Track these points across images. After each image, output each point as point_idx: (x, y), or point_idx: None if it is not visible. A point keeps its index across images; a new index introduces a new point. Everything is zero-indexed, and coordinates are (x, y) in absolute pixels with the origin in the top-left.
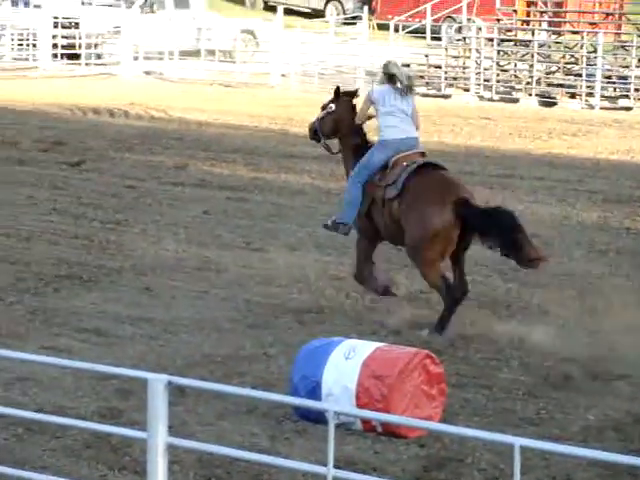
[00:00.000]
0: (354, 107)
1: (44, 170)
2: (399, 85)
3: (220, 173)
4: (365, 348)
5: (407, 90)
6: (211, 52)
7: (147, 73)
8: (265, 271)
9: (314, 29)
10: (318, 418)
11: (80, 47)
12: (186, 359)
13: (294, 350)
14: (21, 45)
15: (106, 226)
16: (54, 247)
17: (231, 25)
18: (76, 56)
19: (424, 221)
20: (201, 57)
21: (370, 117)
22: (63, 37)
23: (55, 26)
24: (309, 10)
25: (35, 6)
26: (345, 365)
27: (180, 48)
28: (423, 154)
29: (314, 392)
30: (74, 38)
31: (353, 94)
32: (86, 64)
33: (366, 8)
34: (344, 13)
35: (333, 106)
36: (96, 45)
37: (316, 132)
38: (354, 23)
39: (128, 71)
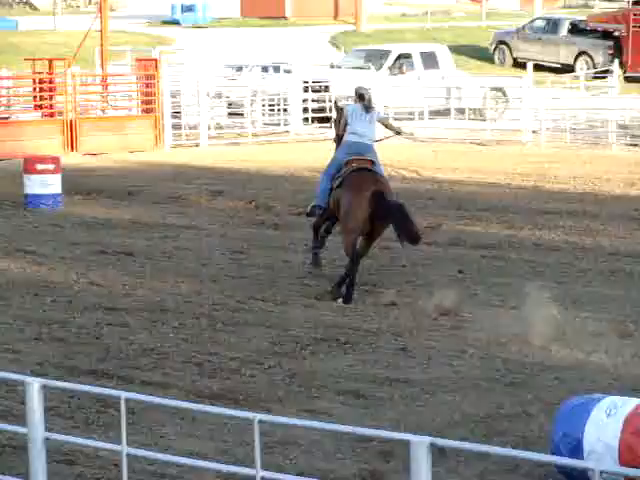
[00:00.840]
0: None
1: (297, 234)
2: (366, 102)
3: (474, 231)
4: (627, 404)
5: (370, 106)
6: (461, 111)
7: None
8: (521, 329)
9: (564, 84)
10: (581, 477)
11: (330, 110)
12: (445, 419)
13: (554, 408)
14: (272, 110)
15: (361, 287)
16: (310, 310)
17: (480, 83)
18: (326, 119)
19: (348, 204)
20: (451, 116)
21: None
22: (313, 101)
23: (305, 90)
24: (559, 65)
25: (285, 71)
26: (607, 422)
27: (430, 108)
28: (372, 162)
29: (576, 450)
30: (324, 102)
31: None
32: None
33: (617, 61)
34: (594, 67)
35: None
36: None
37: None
38: (604, 77)
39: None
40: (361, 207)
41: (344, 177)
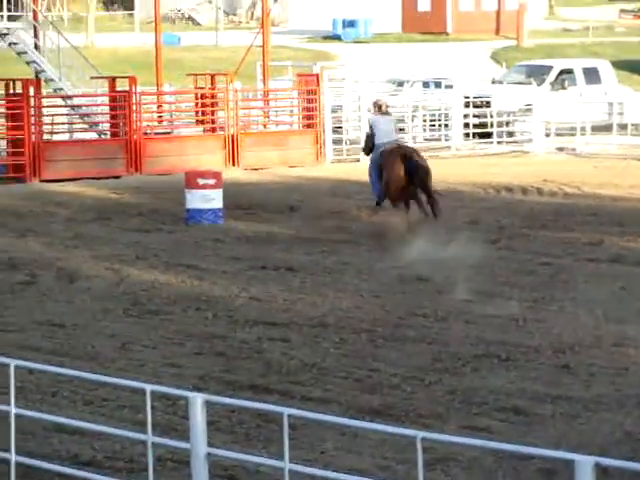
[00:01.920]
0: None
1: (462, 249)
2: (383, 110)
3: (636, 248)
4: None
5: (387, 112)
6: (623, 126)
7: (559, 149)
8: None
9: None
10: None
11: (492, 125)
12: (607, 438)
13: None
14: (433, 125)
15: (523, 304)
16: (471, 326)
17: None
18: (488, 135)
19: (389, 168)
20: (613, 132)
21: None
22: (475, 116)
23: (466, 105)
24: None
25: (446, 86)
26: None
27: (591, 123)
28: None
29: None
30: (485, 117)
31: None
32: (498, 142)
33: None
34: None
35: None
36: (507, 123)
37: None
38: None
39: (540, 148)
40: (396, 165)
41: (383, 156)
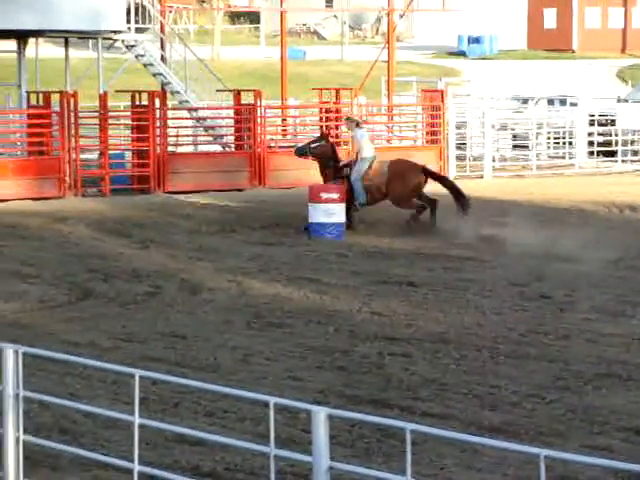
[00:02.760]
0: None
1: (584, 267)
2: (361, 125)
3: None
4: None
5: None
6: None
7: None
8: None
9: None
10: None
11: (616, 144)
12: None
13: None
14: (557, 143)
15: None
16: (592, 345)
17: None
18: (612, 153)
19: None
20: None
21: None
22: (599, 134)
23: (591, 123)
24: None
25: (571, 104)
26: None
27: None
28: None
29: None
30: (610, 135)
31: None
32: (622, 161)
33: None
34: None
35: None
36: (632, 142)
37: (304, 153)
38: None
39: None
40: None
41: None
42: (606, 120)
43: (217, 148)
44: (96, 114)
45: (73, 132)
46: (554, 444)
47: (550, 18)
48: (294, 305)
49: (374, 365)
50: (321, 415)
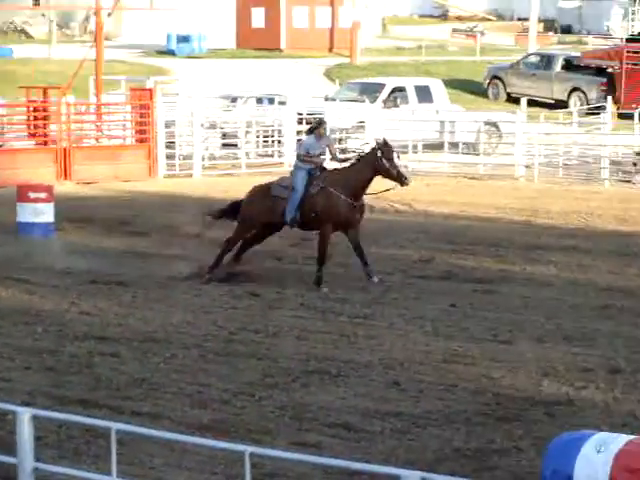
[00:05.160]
0: None
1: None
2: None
3: (466, 265)
4: (617, 441)
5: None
6: (454, 145)
7: None
8: (513, 363)
9: (557, 120)
10: None
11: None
12: (436, 453)
13: (544, 443)
14: (266, 141)
15: (353, 320)
16: (301, 342)
17: (474, 118)
18: None
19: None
20: (444, 150)
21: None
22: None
23: (300, 122)
24: (552, 101)
25: (280, 103)
26: (597, 458)
27: (423, 141)
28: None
29: None
30: None
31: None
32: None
33: (610, 98)
34: (587, 103)
35: None
36: (340, 140)
37: None
38: (598, 113)
39: None
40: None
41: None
42: (314, 118)
43: None
44: None
45: None
46: (263, 442)
47: (258, 17)
48: (2, 305)
49: (83, 365)
50: (25, 416)
